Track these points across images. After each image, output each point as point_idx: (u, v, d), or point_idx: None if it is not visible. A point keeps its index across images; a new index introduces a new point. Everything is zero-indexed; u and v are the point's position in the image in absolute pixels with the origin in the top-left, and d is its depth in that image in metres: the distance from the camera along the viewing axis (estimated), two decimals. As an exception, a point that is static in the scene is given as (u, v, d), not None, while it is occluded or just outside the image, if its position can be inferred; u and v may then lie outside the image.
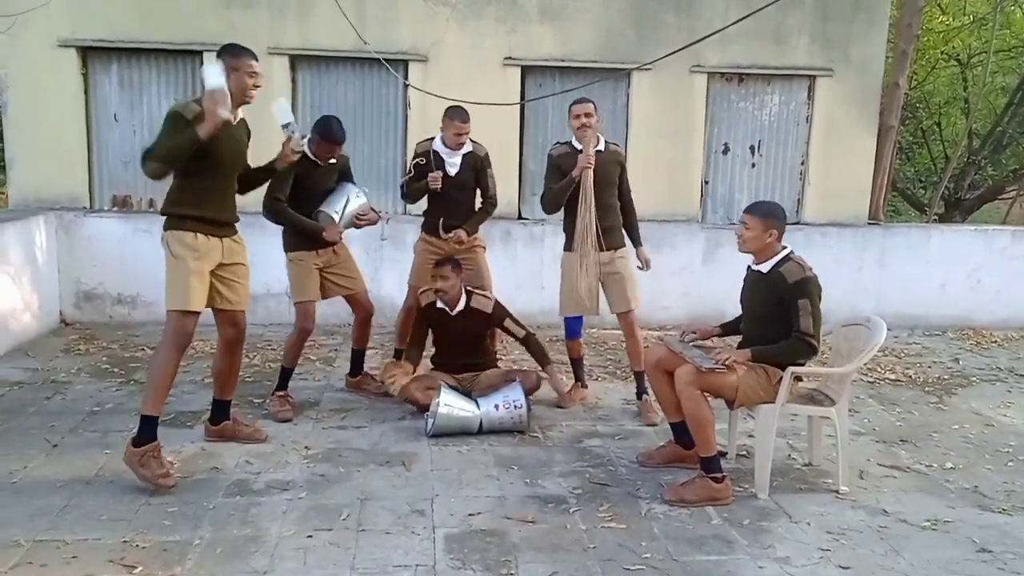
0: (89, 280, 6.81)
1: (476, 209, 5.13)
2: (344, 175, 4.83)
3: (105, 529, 3.30)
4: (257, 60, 3.81)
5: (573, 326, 5.03)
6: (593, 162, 4.63)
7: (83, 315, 6.84)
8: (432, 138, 5.02)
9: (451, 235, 4.94)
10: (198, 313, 3.75)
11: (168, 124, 3.63)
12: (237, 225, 4.00)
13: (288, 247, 4.73)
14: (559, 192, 4.75)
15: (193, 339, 3.83)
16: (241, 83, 3.72)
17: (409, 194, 5.06)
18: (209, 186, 3.79)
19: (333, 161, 4.70)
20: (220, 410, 4.25)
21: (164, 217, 3.82)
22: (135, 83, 6.97)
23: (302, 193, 4.59)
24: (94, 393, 5.01)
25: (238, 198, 4.04)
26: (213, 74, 3.60)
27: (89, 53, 6.87)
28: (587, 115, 4.67)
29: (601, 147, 4.75)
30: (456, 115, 4.86)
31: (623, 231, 4.91)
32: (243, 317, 4.06)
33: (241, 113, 3.90)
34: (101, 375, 5.39)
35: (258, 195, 4.47)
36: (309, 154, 4.54)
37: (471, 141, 5.00)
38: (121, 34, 6.77)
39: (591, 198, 4.66)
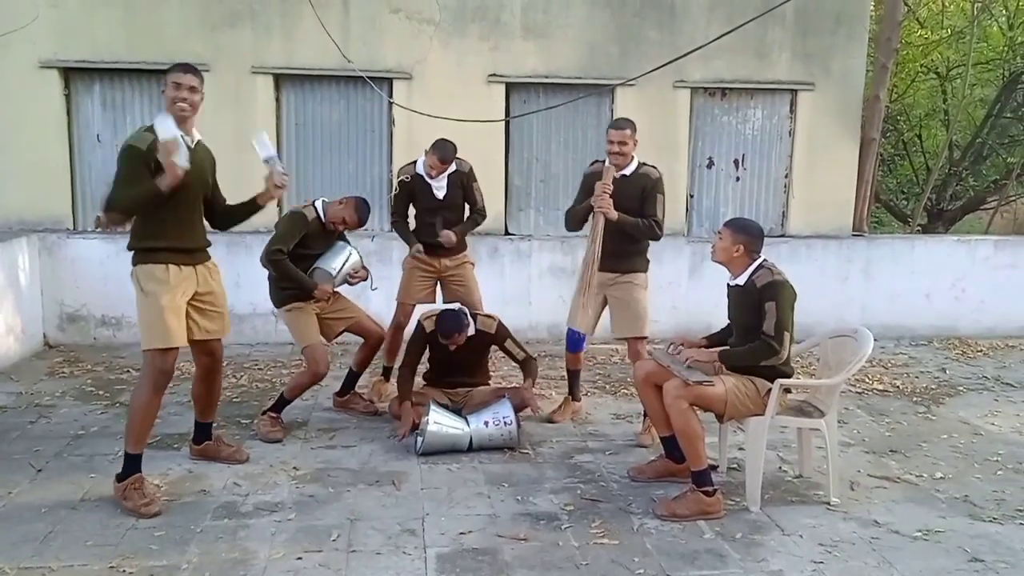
0: (73, 302, 6.74)
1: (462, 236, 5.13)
2: (341, 235, 4.88)
3: (91, 555, 3.25)
4: (193, 74, 3.63)
5: (574, 339, 4.97)
6: (608, 192, 4.44)
7: (67, 337, 6.77)
8: (414, 162, 5.02)
9: (440, 236, 4.93)
10: (177, 349, 3.66)
11: (124, 163, 3.53)
12: (210, 250, 3.89)
13: (280, 302, 4.73)
14: (576, 214, 4.68)
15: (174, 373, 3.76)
16: (169, 97, 3.58)
17: (398, 224, 5.11)
18: (175, 215, 3.65)
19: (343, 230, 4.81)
20: (202, 431, 4.23)
21: (131, 252, 3.69)
22: (118, 103, 6.94)
23: (305, 251, 4.63)
24: (79, 416, 4.95)
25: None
26: (163, 126, 3.50)
27: (71, 74, 6.84)
28: (620, 143, 4.47)
29: (628, 171, 4.56)
30: (436, 151, 4.86)
31: (639, 257, 4.67)
32: (220, 345, 3.98)
33: (198, 134, 3.77)
34: (86, 398, 5.33)
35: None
36: (323, 220, 4.64)
37: (456, 159, 5.00)
38: (104, 54, 6.75)
39: (600, 220, 4.50)
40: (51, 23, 6.64)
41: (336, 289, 4.77)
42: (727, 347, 3.88)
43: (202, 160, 3.77)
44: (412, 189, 4.99)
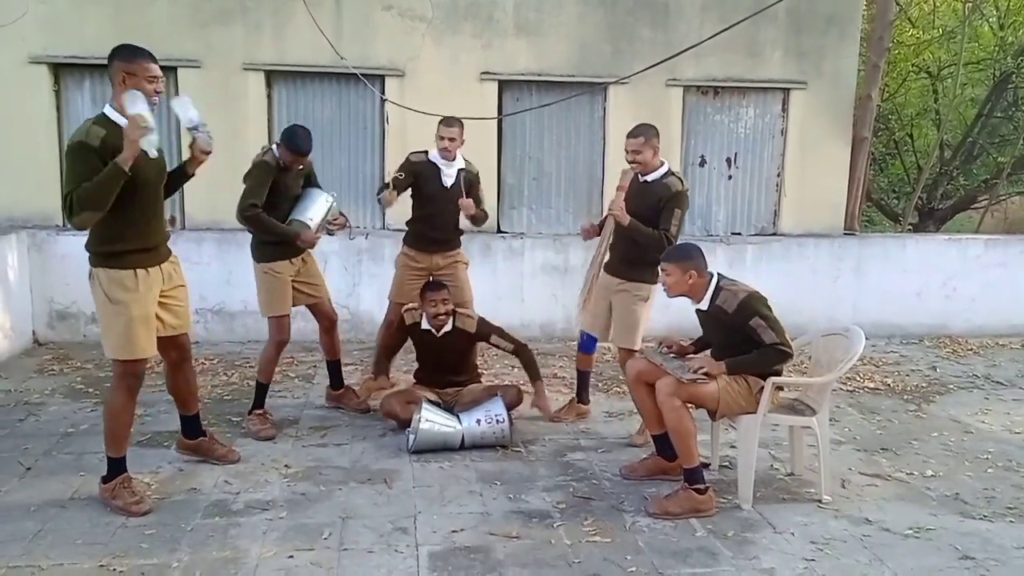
0: (62, 299, 6.70)
1: (459, 226, 5.11)
2: (308, 180, 4.76)
3: (81, 553, 3.23)
4: (156, 62, 3.47)
5: (586, 340, 4.92)
6: (621, 200, 4.37)
7: (57, 335, 6.72)
8: (426, 151, 4.98)
9: (463, 201, 4.85)
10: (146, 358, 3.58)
11: (74, 160, 3.31)
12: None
13: (262, 257, 4.60)
14: (601, 224, 4.61)
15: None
16: (141, 89, 3.37)
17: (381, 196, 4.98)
18: (139, 213, 3.49)
19: (301, 168, 4.65)
20: (191, 425, 4.13)
21: (91, 253, 3.52)
22: (108, 99, 6.87)
23: (271, 199, 4.48)
24: (68, 414, 4.92)
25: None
26: (137, 104, 3.32)
27: (61, 69, 6.80)
28: (634, 151, 4.35)
29: (651, 177, 4.40)
30: (441, 123, 4.85)
31: (648, 267, 4.42)
32: (186, 338, 3.87)
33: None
34: (75, 396, 5.30)
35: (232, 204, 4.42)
36: (278, 160, 4.47)
37: (465, 159, 4.99)
38: (94, 50, 6.69)
39: (611, 223, 4.43)
40: (40, 18, 6.60)
41: (316, 235, 4.60)
42: (733, 358, 3.75)
43: (160, 151, 3.53)
44: (417, 171, 4.89)
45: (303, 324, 5.26)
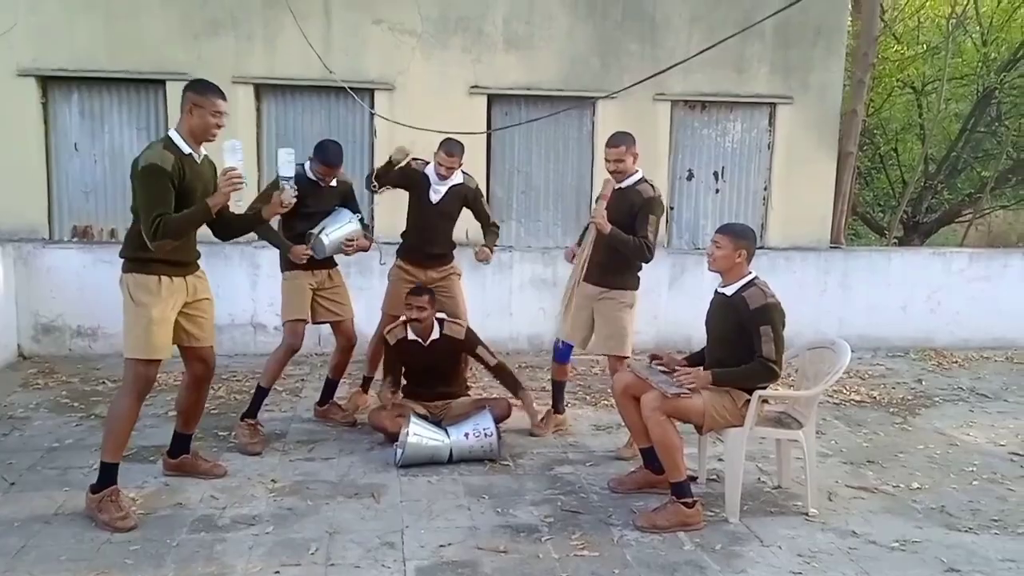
0: (48, 312, 6.66)
1: (451, 240, 5.11)
2: (346, 201, 4.86)
3: (65, 569, 3.20)
4: (225, 99, 3.69)
5: (562, 350, 4.94)
6: (603, 209, 4.39)
7: (42, 348, 6.68)
8: (429, 162, 4.98)
9: (482, 257, 4.97)
10: (160, 360, 3.66)
11: (151, 184, 3.49)
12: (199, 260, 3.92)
13: (283, 267, 4.80)
14: (583, 234, 4.67)
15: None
16: (205, 122, 3.61)
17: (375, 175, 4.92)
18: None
19: (334, 184, 4.76)
20: (180, 443, 4.15)
21: (123, 259, 3.68)
22: (96, 112, 6.89)
23: (304, 210, 4.53)
24: (53, 429, 4.88)
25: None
26: (232, 152, 3.55)
27: (49, 82, 6.79)
28: (616, 160, 4.42)
29: (624, 184, 4.47)
30: (443, 147, 4.86)
31: (629, 274, 4.61)
32: (211, 353, 3.98)
33: (204, 149, 3.77)
34: (61, 410, 5.27)
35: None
36: (310, 174, 4.64)
37: (463, 174, 5.01)
38: (83, 63, 6.70)
39: (593, 231, 4.46)
40: (30, 30, 6.60)
41: (327, 255, 4.69)
42: (722, 369, 3.77)
43: (209, 176, 3.76)
44: (413, 176, 4.91)
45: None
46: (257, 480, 4.16)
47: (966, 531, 3.78)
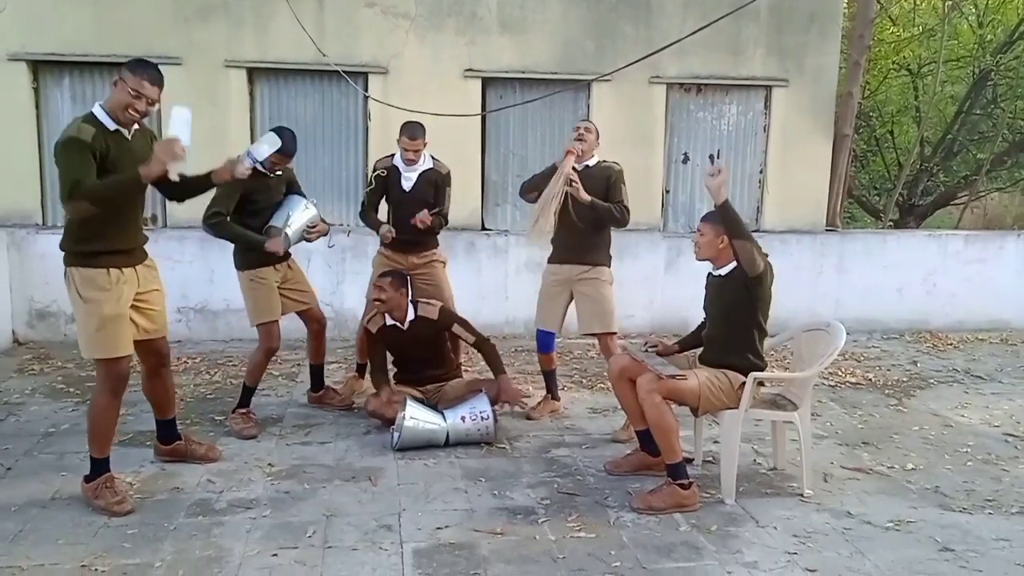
0: (42, 298, 6.64)
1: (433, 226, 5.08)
2: (291, 187, 4.74)
3: (62, 553, 3.20)
4: (154, 84, 3.41)
5: (544, 340, 4.98)
6: (572, 162, 4.54)
7: (36, 334, 6.67)
8: (393, 154, 4.98)
9: (417, 218, 4.80)
10: (128, 355, 3.56)
11: (70, 155, 3.28)
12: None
13: (244, 265, 4.60)
14: (540, 176, 4.72)
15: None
16: (121, 98, 3.37)
17: (365, 213, 5.03)
18: (117, 214, 3.45)
19: (279, 172, 4.61)
20: (167, 429, 4.08)
21: (64, 252, 3.48)
22: (88, 97, 6.83)
23: (252, 206, 4.49)
24: (49, 414, 4.88)
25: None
26: (179, 122, 3.35)
27: (40, 67, 6.74)
28: (586, 129, 4.72)
29: (592, 163, 4.73)
30: (405, 131, 4.81)
31: (603, 249, 4.77)
32: (165, 343, 3.84)
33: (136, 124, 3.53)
34: (56, 395, 5.26)
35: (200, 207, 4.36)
36: (258, 166, 4.32)
37: (433, 159, 4.97)
38: (74, 47, 6.65)
39: (569, 210, 4.52)
40: (19, 15, 6.54)
41: (292, 246, 4.62)
42: (719, 351, 3.81)
43: (144, 152, 3.46)
44: (387, 178, 4.92)
45: (288, 323, 5.22)
46: (254, 464, 4.16)
47: (960, 511, 3.80)
